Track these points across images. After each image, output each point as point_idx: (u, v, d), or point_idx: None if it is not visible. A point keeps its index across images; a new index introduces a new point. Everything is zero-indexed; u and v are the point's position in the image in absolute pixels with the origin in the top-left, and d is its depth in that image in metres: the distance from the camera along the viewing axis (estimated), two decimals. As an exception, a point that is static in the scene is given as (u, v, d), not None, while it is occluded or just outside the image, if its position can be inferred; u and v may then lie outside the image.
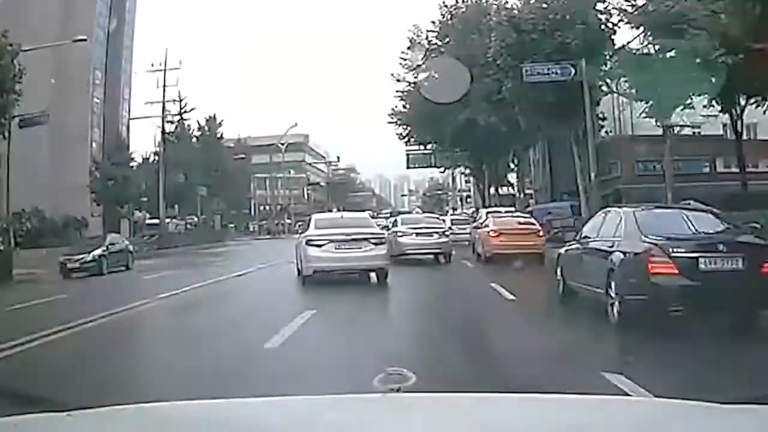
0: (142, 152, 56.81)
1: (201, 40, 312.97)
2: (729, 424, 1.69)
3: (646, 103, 23.28)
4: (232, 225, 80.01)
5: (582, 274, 11.16)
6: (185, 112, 53.41)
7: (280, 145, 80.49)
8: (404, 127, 42.98)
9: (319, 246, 14.46)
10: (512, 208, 26.81)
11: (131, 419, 1.76)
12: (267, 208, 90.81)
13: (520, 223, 20.47)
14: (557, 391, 2.11)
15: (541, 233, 19.82)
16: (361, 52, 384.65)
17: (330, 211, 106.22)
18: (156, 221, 54.61)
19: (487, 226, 20.69)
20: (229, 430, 1.75)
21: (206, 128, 58.39)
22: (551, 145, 46.89)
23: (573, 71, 23.16)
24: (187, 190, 56.11)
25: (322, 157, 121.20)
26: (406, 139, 45.13)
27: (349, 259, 14.45)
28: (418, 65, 39.73)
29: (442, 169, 61.22)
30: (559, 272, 12.49)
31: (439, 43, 39.55)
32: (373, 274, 14.71)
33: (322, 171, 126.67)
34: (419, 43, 40.40)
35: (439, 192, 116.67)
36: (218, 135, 59.51)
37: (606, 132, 26.73)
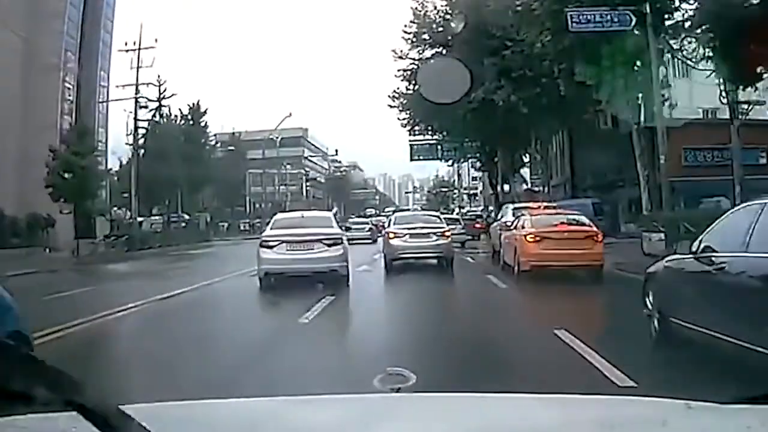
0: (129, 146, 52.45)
1: (197, 31, 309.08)
2: (729, 424, 1.64)
3: (722, 66, 17.71)
4: (223, 223, 75.11)
5: (708, 313, 6.53)
6: (165, 98, 47.97)
7: (274, 138, 74.84)
8: (408, 111, 37.01)
9: (271, 247, 14.18)
10: (552, 203, 20.46)
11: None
12: (261, 205, 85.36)
13: (568, 223, 14.77)
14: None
15: (599, 237, 14.18)
16: (366, 48, 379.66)
17: (330, 209, 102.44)
18: (140, 219, 50.60)
19: (521, 227, 14.98)
20: (228, 430, 1.73)
21: (189, 117, 52.81)
22: (572, 135, 41.88)
23: (632, 20, 17.61)
24: (171, 186, 51.24)
25: (323, 152, 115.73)
26: (410, 126, 39.43)
27: (301, 261, 14.00)
28: (424, 39, 34.18)
29: (449, 162, 55.52)
30: (650, 302, 7.73)
31: (449, 16, 33.98)
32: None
33: (323, 167, 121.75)
34: (425, 14, 34.81)
35: (445, 189, 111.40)
36: (202, 124, 53.88)
37: (671, 105, 20.82)
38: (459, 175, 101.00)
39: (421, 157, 47.00)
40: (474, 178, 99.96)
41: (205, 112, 54.03)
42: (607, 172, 37.80)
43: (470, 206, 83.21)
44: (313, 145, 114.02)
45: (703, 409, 1.74)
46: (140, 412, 1.50)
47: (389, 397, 1.92)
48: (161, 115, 47.86)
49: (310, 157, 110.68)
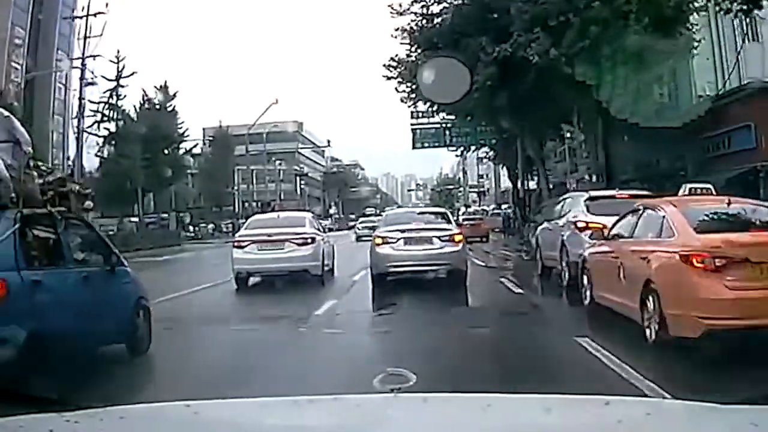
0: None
1: (189, 21, 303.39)
2: (729, 424, 1.64)
3: None
4: (206, 224, 68.34)
5: None
6: (123, 77, 40.76)
7: (262, 130, 67.55)
8: (409, 84, 29.36)
9: (242, 247, 14.51)
10: (707, 186, 11.58)
11: (131, 420, 1.73)
12: (251, 204, 78.10)
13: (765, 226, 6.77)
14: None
15: None
16: (370, 43, 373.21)
17: (329, 210, 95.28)
18: (112, 220, 44.49)
19: (655, 237, 6.96)
20: (229, 430, 1.73)
21: (156, 101, 45.49)
22: (606, 121, 34.87)
23: None
24: (138, 181, 44.50)
25: (319, 147, 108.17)
26: (412, 102, 31.93)
27: (272, 261, 14.26)
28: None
29: (458, 152, 48.08)
30: None
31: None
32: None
33: (321, 164, 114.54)
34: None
35: (450, 187, 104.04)
36: (170, 108, 46.48)
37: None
38: (465, 172, 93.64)
39: (425, 144, 39.89)
40: (481, 176, 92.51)
41: (174, 95, 46.75)
42: (659, 159, 30.51)
43: (479, 204, 76.01)
44: (309, 140, 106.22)
45: (704, 409, 1.75)
46: (140, 412, 1.61)
47: (389, 397, 1.89)
48: (118, 96, 40.62)
49: (306, 154, 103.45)
